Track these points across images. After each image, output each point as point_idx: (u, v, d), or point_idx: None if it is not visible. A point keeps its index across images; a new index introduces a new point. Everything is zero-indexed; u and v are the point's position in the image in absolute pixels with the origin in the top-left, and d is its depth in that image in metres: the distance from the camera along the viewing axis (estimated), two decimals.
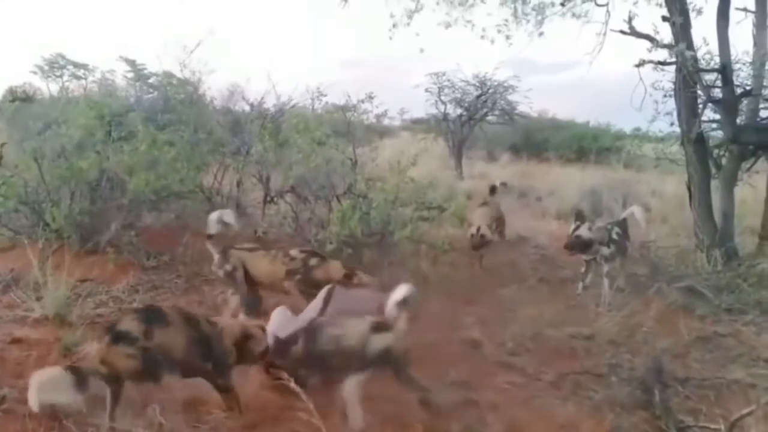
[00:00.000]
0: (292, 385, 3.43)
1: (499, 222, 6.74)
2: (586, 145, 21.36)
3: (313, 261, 5.26)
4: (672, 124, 7.75)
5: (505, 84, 17.08)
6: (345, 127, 9.10)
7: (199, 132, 8.32)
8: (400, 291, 3.83)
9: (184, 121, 8.47)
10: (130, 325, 3.40)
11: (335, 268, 5.19)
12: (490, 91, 17.19)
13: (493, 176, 15.34)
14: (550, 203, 12.28)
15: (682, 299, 6.25)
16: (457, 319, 5.65)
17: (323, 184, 7.19)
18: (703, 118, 7.31)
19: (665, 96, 7.64)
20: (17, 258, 5.99)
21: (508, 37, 8.57)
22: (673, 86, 7.44)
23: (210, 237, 5.41)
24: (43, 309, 4.93)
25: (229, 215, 5.53)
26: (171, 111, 8.91)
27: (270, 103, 10.09)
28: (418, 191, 6.94)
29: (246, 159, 8.36)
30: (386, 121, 16.70)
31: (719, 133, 7.79)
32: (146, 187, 6.55)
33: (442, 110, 17.68)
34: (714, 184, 7.56)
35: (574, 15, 8.37)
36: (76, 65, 19.92)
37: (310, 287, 5.07)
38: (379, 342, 3.71)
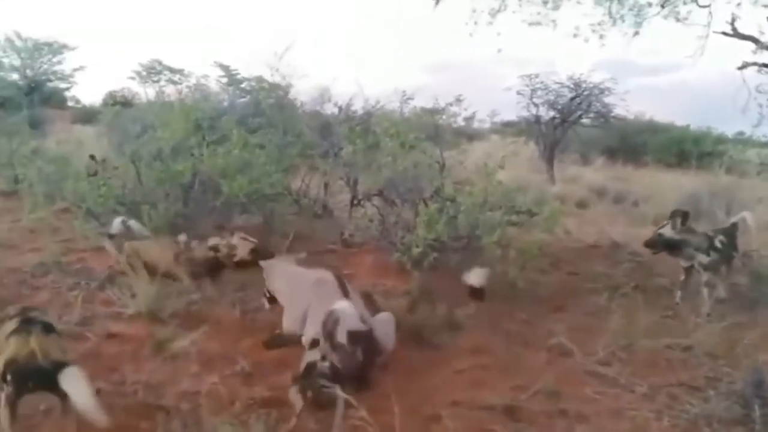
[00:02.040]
0: (340, 392, 3.41)
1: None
2: (686, 148, 20.58)
3: (194, 242, 5.44)
4: None
5: (601, 86, 16.60)
6: (433, 131, 9.04)
7: (288, 135, 8.45)
8: None
9: (273, 124, 8.63)
10: None
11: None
12: (585, 93, 16.73)
13: (586, 180, 15.02)
14: (648, 208, 11.83)
15: None
16: (545, 327, 5.51)
17: (410, 188, 7.14)
18: None
19: None
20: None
21: (601, 37, 8.30)
22: None
23: (111, 237, 5.64)
24: (136, 306, 5.13)
25: (134, 223, 5.79)
26: (261, 115, 9.11)
27: (358, 106, 10.18)
28: (507, 195, 6.80)
29: (334, 161, 8.42)
30: (476, 124, 16.55)
31: None
32: (240, 191, 6.68)
33: (535, 113, 17.35)
34: None
35: (675, 18, 8.03)
36: (173, 70, 20.91)
37: (195, 267, 5.34)
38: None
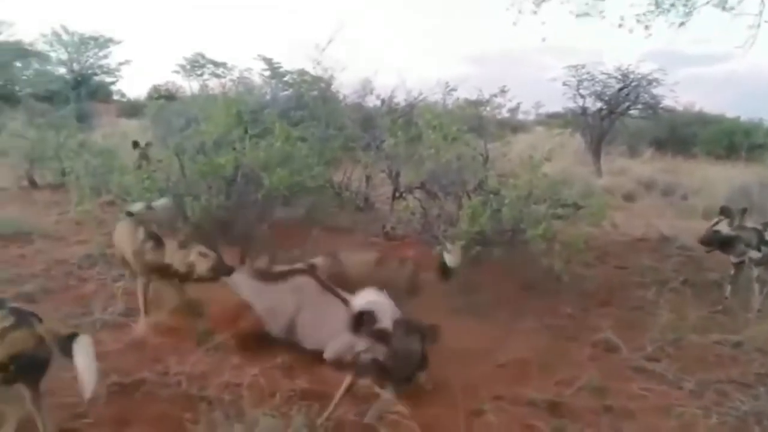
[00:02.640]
0: (379, 389, 3.35)
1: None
2: (736, 140, 20.09)
3: (149, 244, 4.95)
4: None
5: (650, 77, 16.24)
6: (476, 122, 8.94)
7: (330, 128, 8.43)
8: None
9: (316, 117, 8.62)
10: None
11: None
12: (633, 84, 16.39)
13: (634, 172, 14.75)
14: (697, 201, 11.56)
15: None
16: (591, 321, 5.45)
17: (453, 180, 7.05)
18: None
19: None
20: None
21: (647, 27, 8.07)
22: None
23: (129, 214, 5.38)
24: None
25: (160, 202, 5.65)
26: (304, 107, 9.11)
27: (400, 98, 10.12)
28: (552, 188, 6.68)
29: (376, 154, 8.38)
30: (520, 116, 16.34)
31: None
32: (281, 183, 6.67)
33: (581, 104, 17.07)
34: None
35: (725, 8, 7.78)
36: (216, 64, 21.09)
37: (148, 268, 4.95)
38: None
